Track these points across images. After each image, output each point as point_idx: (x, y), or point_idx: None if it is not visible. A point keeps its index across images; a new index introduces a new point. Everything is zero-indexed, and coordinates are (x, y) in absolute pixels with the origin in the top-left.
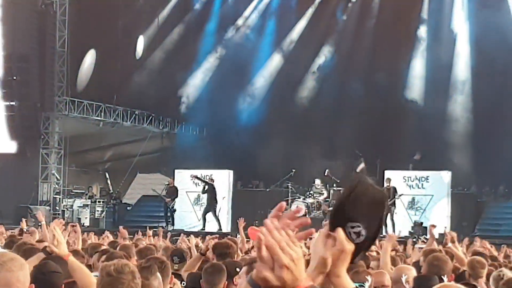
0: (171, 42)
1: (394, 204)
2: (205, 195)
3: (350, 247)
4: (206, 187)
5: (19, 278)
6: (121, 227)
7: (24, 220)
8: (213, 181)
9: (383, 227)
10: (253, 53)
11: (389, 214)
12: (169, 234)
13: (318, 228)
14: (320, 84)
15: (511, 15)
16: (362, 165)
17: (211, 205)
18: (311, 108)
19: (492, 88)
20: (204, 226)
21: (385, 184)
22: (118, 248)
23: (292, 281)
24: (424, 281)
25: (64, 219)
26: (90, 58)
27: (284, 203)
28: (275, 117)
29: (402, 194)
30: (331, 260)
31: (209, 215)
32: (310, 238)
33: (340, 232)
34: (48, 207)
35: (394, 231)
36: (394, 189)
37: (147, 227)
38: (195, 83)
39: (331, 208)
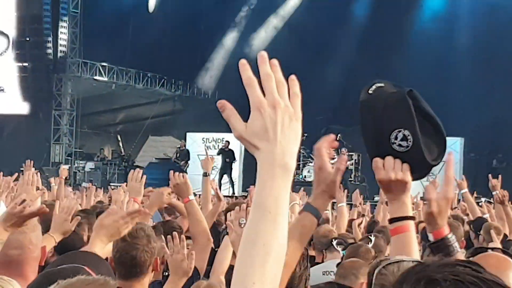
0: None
1: None
2: (219, 157)
3: (402, 175)
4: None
5: (31, 240)
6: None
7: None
8: (229, 144)
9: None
10: None
11: None
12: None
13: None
14: (334, 53)
15: None
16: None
17: (227, 168)
18: (325, 73)
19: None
20: (220, 188)
21: None
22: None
23: None
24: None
25: (75, 181)
26: None
27: (333, 136)
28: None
29: None
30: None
31: (225, 178)
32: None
33: (388, 160)
34: (68, 165)
35: None
36: None
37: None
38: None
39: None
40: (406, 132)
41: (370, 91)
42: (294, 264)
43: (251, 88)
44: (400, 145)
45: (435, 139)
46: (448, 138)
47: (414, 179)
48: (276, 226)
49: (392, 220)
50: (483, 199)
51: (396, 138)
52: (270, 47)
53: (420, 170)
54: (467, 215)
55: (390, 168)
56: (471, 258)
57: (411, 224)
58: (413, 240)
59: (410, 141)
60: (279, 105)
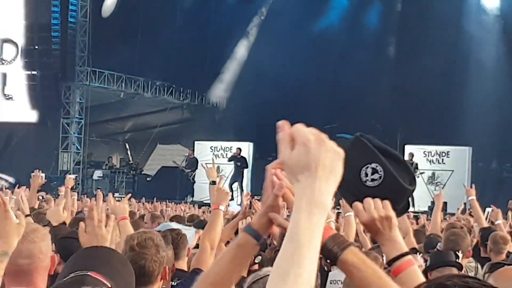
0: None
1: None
2: (231, 165)
3: (384, 212)
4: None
5: (41, 249)
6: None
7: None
8: (241, 151)
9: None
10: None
11: None
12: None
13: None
14: (338, 58)
15: None
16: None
17: (239, 176)
18: (332, 83)
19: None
20: (232, 197)
21: (407, 159)
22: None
23: None
24: (440, 257)
25: (83, 189)
26: None
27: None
28: (293, 90)
29: (423, 172)
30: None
31: (235, 186)
32: None
33: (357, 204)
34: (75, 175)
35: (413, 206)
36: (416, 165)
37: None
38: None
39: None
40: (374, 165)
41: None
42: (228, 284)
43: (298, 128)
44: (373, 180)
45: (402, 167)
46: (456, 147)
47: (397, 214)
48: (307, 261)
49: (390, 262)
50: (489, 209)
51: (366, 175)
52: (280, 56)
53: (399, 199)
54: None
55: (371, 208)
56: (489, 274)
57: (410, 258)
58: (418, 272)
59: (381, 171)
60: (324, 143)
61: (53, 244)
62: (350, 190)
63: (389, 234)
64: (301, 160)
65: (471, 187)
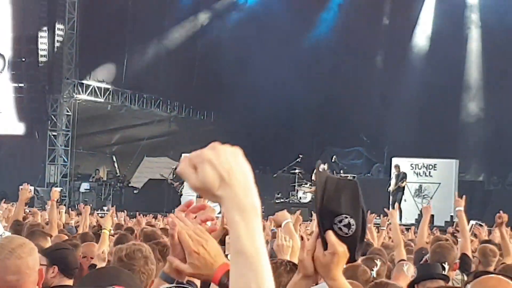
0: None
1: (401, 190)
2: None
3: (342, 249)
4: None
5: (28, 264)
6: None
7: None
8: None
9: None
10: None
11: (395, 202)
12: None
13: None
14: (328, 72)
15: None
16: (322, 166)
17: None
18: (320, 96)
19: (501, 79)
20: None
21: (393, 170)
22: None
23: (205, 267)
24: (426, 269)
25: (70, 202)
26: None
27: (192, 201)
28: (282, 104)
29: (404, 181)
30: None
31: None
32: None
33: (330, 235)
34: (60, 188)
35: (401, 219)
36: (404, 174)
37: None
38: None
39: None
40: (352, 221)
41: (320, 169)
42: None
43: (190, 154)
44: (340, 229)
45: (362, 234)
46: (443, 160)
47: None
48: (261, 268)
49: None
50: (473, 222)
51: (340, 221)
52: (269, 69)
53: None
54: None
55: (337, 243)
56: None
57: None
58: None
59: (351, 231)
60: (219, 150)
61: (48, 256)
62: (322, 219)
63: (338, 273)
64: (210, 177)
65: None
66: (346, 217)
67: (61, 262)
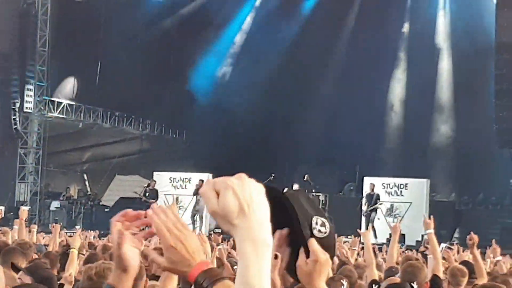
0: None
1: (375, 210)
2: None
3: (324, 257)
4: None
5: None
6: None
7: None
8: (202, 183)
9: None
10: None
11: (370, 222)
12: None
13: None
14: (297, 90)
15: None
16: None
17: (201, 207)
18: (291, 116)
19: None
20: (194, 227)
21: (369, 190)
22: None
23: (182, 263)
24: None
25: (40, 220)
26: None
27: (129, 211)
28: (255, 123)
29: (382, 203)
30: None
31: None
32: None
33: (313, 243)
34: (28, 207)
35: (376, 237)
36: (378, 196)
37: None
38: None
39: None
40: (323, 219)
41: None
42: None
43: (214, 179)
44: (320, 231)
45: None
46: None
47: None
48: None
49: None
50: (443, 245)
51: (317, 223)
52: (241, 85)
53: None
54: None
55: (319, 250)
56: None
57: None
58: None
59: (328, 228)
60: (246, 181)
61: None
62: (302, 230)
63: (321, 282)
64: (231, 204)
65: (429, 218)
66: (318, 218)
67: (46, 282)
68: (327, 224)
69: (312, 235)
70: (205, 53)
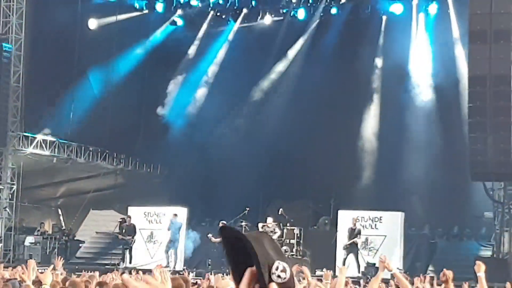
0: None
1: (356, 245)
2: (168, 232)
3: None
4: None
5: None
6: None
7: None
8: (176, 217)
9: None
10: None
11: (351, 254)
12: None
13: None
14: (272, 125)
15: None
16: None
17: (175, 241)
18: (266, 149)
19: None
20: (168, 262)
21: (351, 224)
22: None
23: None
24: None
25: (14, 256)
26: None
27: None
28: (229, 157)
29: (359, 235)
30: None
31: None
32: None
33: (272, 286)
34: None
35: (359, 271)
36: (359, 231)
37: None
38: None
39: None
40: (284, 264)
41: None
42: None
43: None
44: (279, 276)
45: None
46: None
47: None
48: None
49: None
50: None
51: (277, 269)
52: (215, 121)
53: None
54: None
55: None
56: None
57: None
58: None
59: (287, 273)
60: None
61: None
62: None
63: None
64: None
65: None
66: (279, 263)
67: None
68: (287, 270)
69: (271, 280)
70: (178, 84)
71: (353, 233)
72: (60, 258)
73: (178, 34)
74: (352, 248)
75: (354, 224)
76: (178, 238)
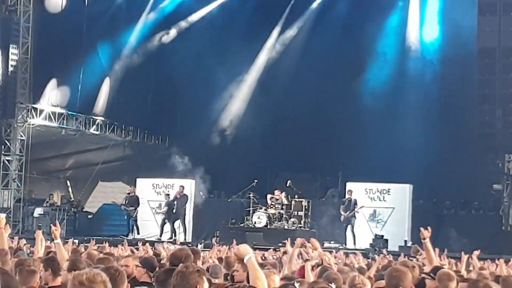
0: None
1: (354, 215)
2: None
3: None
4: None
5: None
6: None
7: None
8: (183, 189)
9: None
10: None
11: (349, 226)
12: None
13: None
14: (279, 97)
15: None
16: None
17: (181, 214)
18: (273, 122)
19: (455, 105)
20: (174, 234)
21: (347, 196)
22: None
23: None
24: None
25: (23, 227)
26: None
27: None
28: (237, 129)
29: (362, 206)
30: None
31: (177, 223)
32: None
33: None
34: (5, 214)
35: (354, 243)
36: (355, 201)
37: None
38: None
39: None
40: None
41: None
42: None
43: None
44: None
45: None
46: (397, 185)
47: None
48: None
49: None
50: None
51: None
52: (223, 92)
53: None
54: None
55: None
56: None
57: None
58: None
59: None
60: None
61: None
62: None
63: None
64: None
65: (412, 223)
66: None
67: None
68: None
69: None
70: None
71: (350, 204)
72: (56, 228)
73: (186, 4)
74: (348, 220)
75: (350, 196)
76: (183, 212)
